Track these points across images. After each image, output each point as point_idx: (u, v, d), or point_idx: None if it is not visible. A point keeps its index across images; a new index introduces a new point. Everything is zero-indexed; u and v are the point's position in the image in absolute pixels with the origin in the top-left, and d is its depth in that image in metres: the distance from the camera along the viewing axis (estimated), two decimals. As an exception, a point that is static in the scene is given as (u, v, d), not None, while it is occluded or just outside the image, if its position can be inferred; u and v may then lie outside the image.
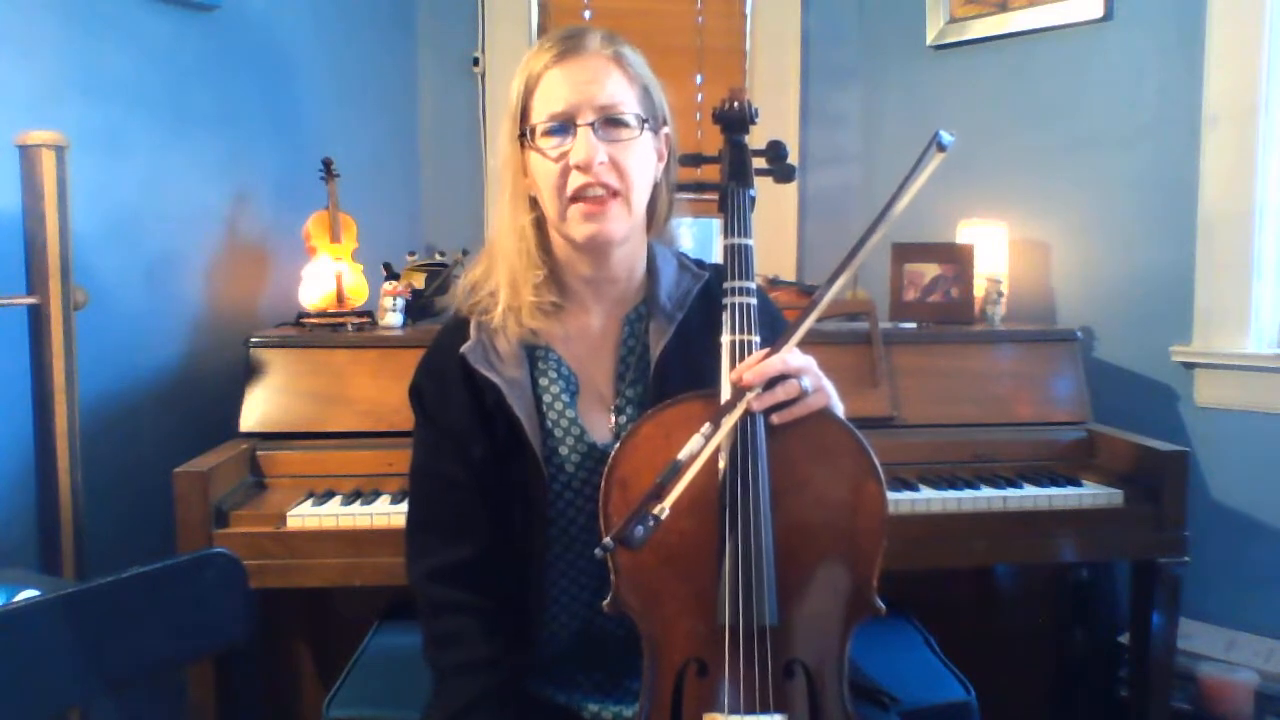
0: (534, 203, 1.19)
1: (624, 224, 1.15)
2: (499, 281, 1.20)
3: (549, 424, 1.20)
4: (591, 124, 1.12)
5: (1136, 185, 2.27)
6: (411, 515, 1.24)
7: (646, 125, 1.16)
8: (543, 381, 1.22)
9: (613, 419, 1.23)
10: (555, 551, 1.21)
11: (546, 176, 1.14)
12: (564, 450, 1.20)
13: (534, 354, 1.23)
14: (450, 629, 1.17)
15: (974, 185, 2.45)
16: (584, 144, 1.11)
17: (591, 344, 1.25)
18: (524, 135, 1.16)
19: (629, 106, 1.15)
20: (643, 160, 1.16)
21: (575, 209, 1.13)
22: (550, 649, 1.26)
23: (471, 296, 1.23)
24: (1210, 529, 2.08)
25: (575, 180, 1.12)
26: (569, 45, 1.14)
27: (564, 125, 1.13)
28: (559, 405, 1.21)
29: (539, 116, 1.14)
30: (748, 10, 2.75)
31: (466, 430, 1.18)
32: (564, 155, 1.12)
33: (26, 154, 1.51)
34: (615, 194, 1.13)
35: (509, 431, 1.17)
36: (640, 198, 1.17)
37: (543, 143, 1.14)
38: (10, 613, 0.93)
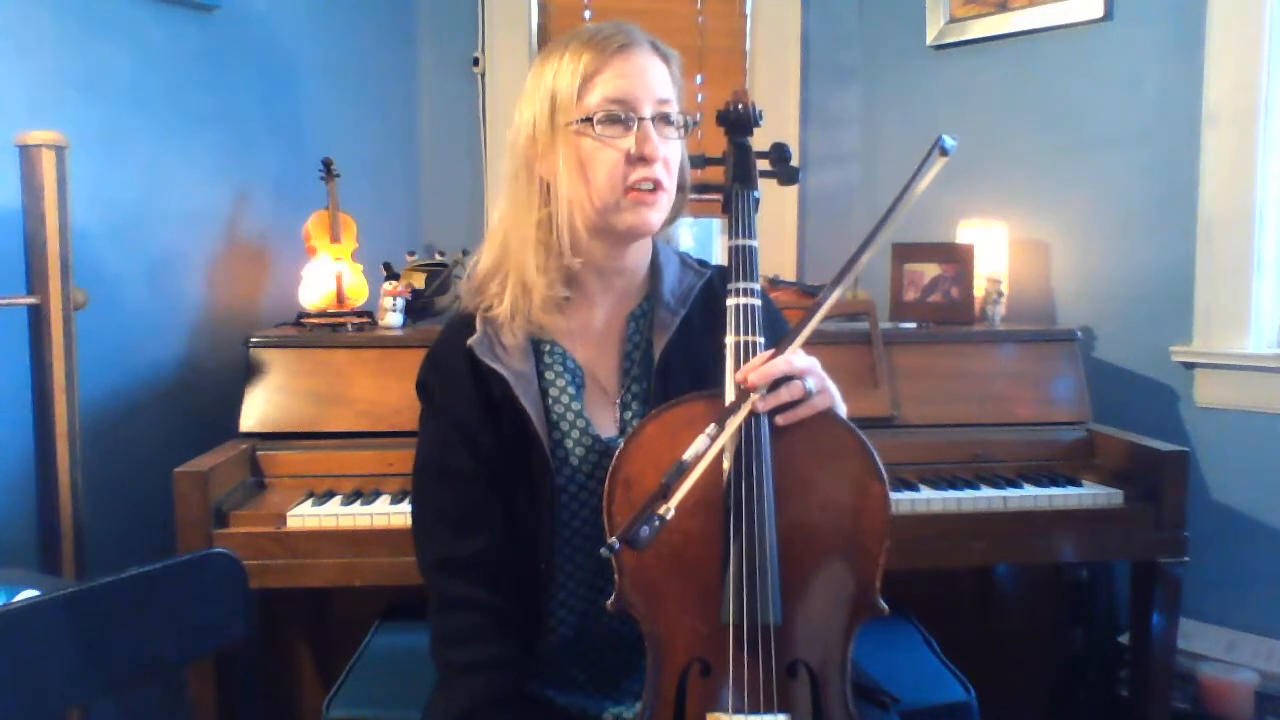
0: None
1: (663, 216, 1.19)
2: (510, 274, 1.20)
3: (554, 417, 1.21)
4: (652, 118, 1.14)
5: (1136, 185, 2.27)
6: (422, 508, 1.23)
7: (684, 129, 1.19)
8: (549, 375, 1.22)
9: (618, 414, 1.23)
10: (556, 545, 1.21)
11: (604, 165, 1.13)
12: (569, 443, 1.20)
13: (539, 348, 1.23)
14: (462, 626, 1.17)
15: (974, 185, 2.45)
16: (651, 137, 1.13)
17: (596, 339, 1.25)
18: (587, 120, 1.13)
19: (676, 106, 1.18)
20: (680, 161, 1.20)
21: (629, 198, 1.14)
22: (551, 647, 1.25)
23: (478, 294, 1.23)
24: (1210, 529, 2.08)
25: (640, 172, 1.13)
26: (628, 38, 1.15)
27: (626, 115, 1.13)
28: (565, 398, 1.21)
29: (597, 103, 1.13)
30: (748, 10, 2.75)
31: (475, 422, 1.18)
32: (625, 146, 1.13)
33: (26, 154, 1.51)
34: (663, 189, 1.15)
35: (516, 424, 1.17)
36: (674, 196, 1.21)
37: (602, 131, 1.13)
38: (10, 613, 0.93)
